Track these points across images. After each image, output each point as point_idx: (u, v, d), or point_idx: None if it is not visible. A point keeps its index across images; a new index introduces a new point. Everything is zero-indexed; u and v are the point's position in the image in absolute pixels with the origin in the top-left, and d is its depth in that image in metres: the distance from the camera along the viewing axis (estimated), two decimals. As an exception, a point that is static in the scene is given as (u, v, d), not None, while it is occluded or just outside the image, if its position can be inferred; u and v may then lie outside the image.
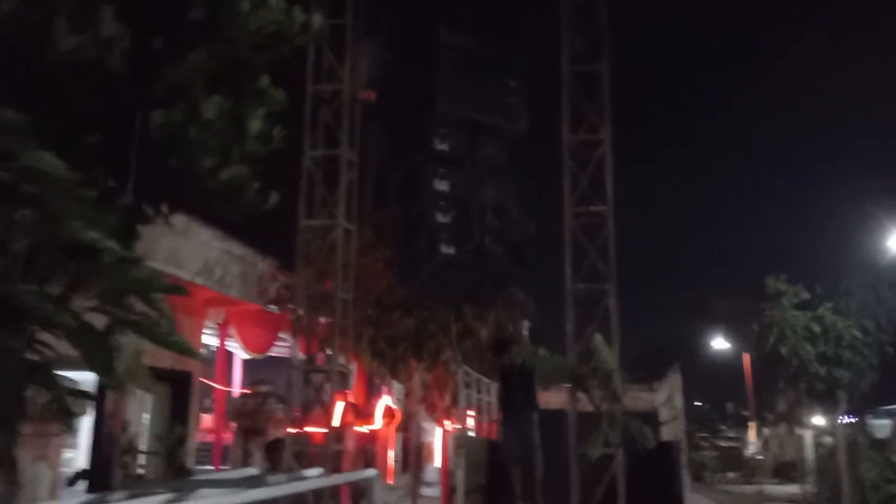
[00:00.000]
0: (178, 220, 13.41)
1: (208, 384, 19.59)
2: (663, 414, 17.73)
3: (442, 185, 9.77)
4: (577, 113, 11.82)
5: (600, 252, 11.33)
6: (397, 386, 22.10)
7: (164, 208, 8.25)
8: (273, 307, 17.64)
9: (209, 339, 20.66)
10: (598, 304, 11.11)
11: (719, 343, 34.89)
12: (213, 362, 20.99)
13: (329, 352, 12.93)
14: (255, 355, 22.36)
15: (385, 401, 21.56)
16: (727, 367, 34.88)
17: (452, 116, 10.06)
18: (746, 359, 28.41)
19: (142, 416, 15.06)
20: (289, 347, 23.23)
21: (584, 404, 10.84)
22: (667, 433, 16.39)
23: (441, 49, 10.18)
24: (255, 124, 7.34)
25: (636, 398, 20.52)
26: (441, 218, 9.71)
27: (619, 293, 11.38)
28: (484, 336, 17.16)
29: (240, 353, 23.21)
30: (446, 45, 10.18)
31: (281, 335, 19.95)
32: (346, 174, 12.15)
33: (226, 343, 21.36)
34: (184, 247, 13.61)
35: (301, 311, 12.67)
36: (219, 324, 20.69)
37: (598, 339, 10.11)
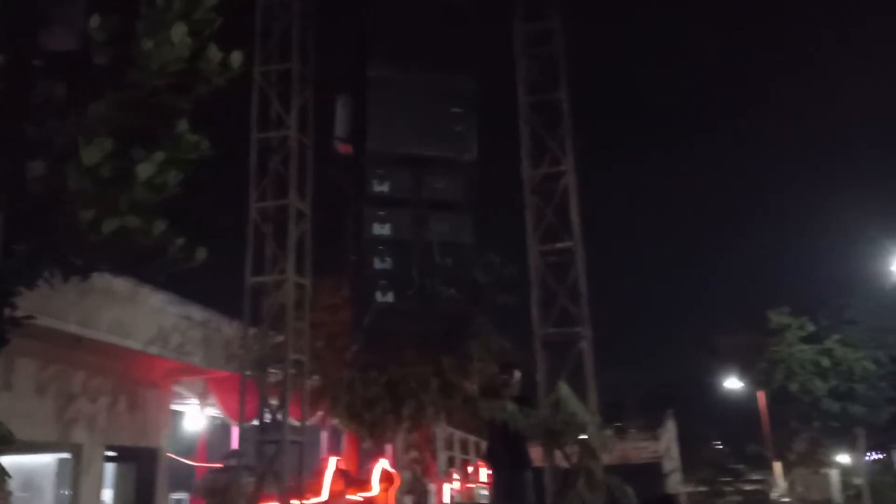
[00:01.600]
0: (123, 285, 12.60)
1: (177, 459, 18.40)
2: (666, 465, 16.49)
3: (382, 230, 8.95)
4: (540, 145, 11.09)
5: (570, 292, 10.43)
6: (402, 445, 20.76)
7: (56, 272, 7.43)
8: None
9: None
10: (570, 349, 10.15)
11: (731, 383, 33.53)
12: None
13: (317, 417, 11.93)
14: (241, 423, 21.27)
15: (382, 465, 20.34)
16: (741, 405, 33.36)
17: (389, 155, 9.30)
18: (761, 396, 27.16)
19: (99, 495, 13.93)
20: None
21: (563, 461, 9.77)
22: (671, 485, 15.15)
23: (369, 86, 9.50)
24: (144, 169, 6.58)
25: (639, 448, 19.28)
26: (379, 264, 8.87)
27: (608, 333, 10.46)
28: (469, 390, 16.12)
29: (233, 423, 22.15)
30: (376, 82, 9.50)
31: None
32: (295, 225, 11.35)
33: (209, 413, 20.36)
34: (131, 314, 12.72)
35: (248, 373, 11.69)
36: (199, 393, 19.72)
37: (564, 388, 9.08)
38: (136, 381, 15.21)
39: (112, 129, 7.37)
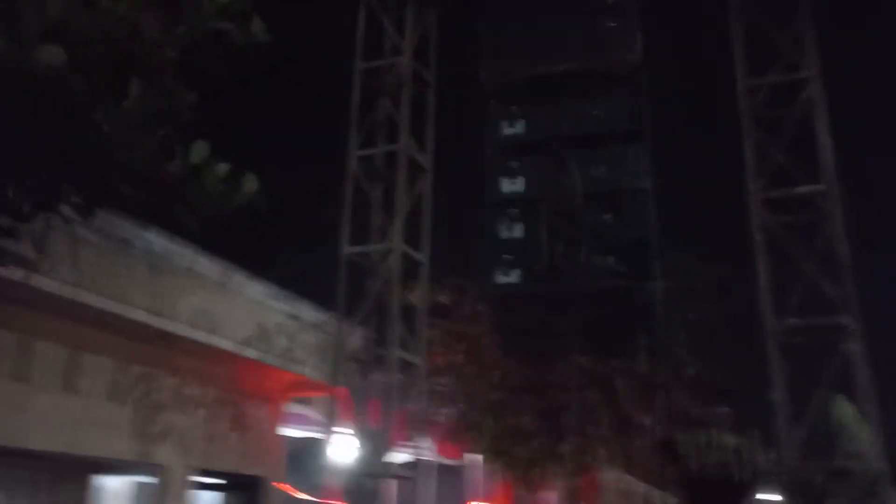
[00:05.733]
0: (209, 267, 10.25)
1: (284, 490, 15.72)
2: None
3: (513, 185, 5.70)
4: (762, 44, 7.38)
5: (823, 264, 6.54)
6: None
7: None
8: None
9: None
10: (827, 352, 6.22)
11: None
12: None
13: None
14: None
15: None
16: None
17: (514, 82, 6.04)
18: None
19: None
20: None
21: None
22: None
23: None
24: None
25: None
26: (506, 233, 5.59)
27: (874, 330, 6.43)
28: (649, 427, 12.23)
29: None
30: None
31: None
32: (409, 181, 8.39)
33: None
34: (221, 306, 10.29)
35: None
36: (326, 413, 17.24)
37: (844, 407, 5.17)
38: (241, 393, 12.84)
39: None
